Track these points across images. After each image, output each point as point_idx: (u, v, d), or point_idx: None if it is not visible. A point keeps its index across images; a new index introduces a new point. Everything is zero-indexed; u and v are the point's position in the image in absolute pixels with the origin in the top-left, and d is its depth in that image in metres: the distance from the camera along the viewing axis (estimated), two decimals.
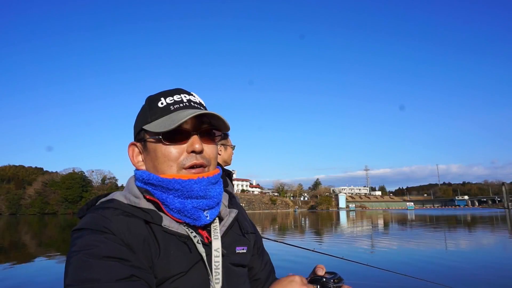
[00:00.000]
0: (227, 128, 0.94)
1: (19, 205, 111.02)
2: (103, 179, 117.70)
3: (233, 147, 2.76)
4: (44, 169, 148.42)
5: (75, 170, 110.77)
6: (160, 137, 0.89)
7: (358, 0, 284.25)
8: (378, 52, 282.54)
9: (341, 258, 4.20)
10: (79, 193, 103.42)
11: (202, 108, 0.96)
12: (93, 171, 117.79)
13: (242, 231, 1.04)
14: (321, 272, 0.91)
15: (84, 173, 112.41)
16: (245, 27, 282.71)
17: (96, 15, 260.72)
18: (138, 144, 0.97)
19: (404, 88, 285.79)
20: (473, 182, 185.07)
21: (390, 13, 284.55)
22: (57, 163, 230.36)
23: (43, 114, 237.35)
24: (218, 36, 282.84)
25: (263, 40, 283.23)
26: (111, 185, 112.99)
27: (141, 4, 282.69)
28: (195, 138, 0.90)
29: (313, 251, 4.11)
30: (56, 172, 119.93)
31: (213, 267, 0.87)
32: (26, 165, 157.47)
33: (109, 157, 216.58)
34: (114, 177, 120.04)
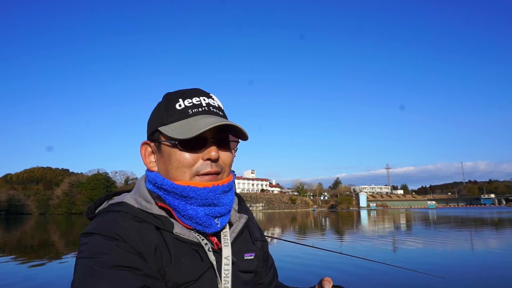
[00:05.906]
0: (246, 138, 0.92)
1: (48, 205, 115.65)
2: (126, 180, 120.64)
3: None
4: (70, 170, 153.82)
5: (100, 171, 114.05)
6: (176, 142, 0.86)
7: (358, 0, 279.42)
8: (389, 47, 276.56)
9: (339, 253, 4.46)
10: (104, 194, 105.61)
11: (220, 112, 0.93)
12: (116, 172, 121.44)
13: (252, 238, 1.03)
14: (327, 286, 0.88)
15: (108, 174, 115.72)
16: (245, 26, 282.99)
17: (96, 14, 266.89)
18: (151, 144, 0.94)
19: (428, 84, 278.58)
20: (501, 180, 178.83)
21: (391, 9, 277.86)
22: (82, 164, 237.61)
23: (69, 118, 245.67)
24: (217, 36, 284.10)
25: (263, 40, 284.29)
26: (133, 185, 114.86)
27: (141, 4, 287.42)
28: (212, 146, 0.88)
29: (312, 246, 4.39)
30: (82, 173, 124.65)
31: (223, 275, 0.87)
32: (53, 166, 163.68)
33: (131, 158, 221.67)
34: (136, 178, 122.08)
